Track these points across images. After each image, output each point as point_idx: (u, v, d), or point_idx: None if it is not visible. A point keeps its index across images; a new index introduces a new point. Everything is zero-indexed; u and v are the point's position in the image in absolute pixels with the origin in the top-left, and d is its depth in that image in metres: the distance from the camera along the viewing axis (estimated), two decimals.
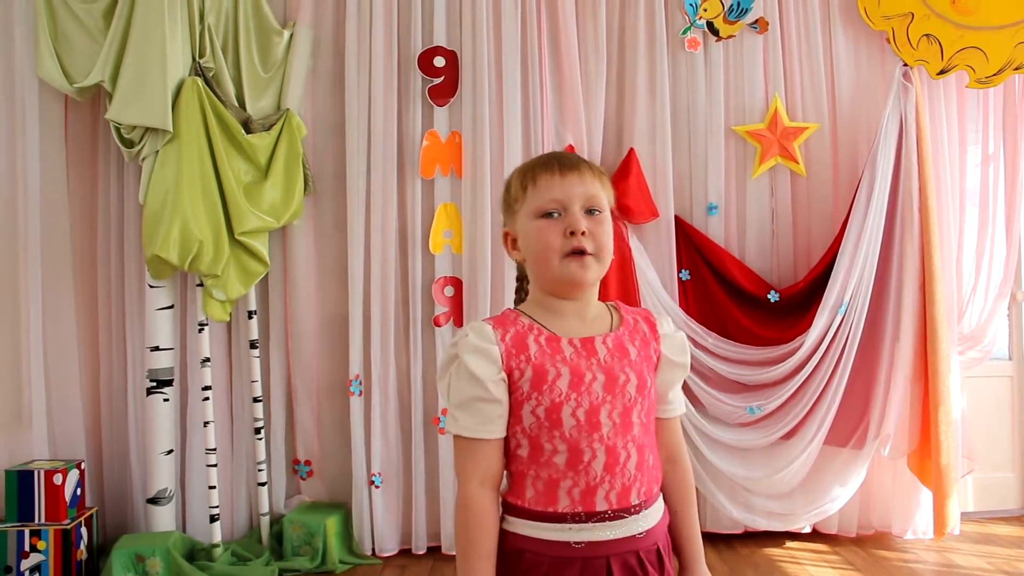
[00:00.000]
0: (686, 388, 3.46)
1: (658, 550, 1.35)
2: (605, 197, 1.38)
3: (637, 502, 1.32)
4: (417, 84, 3.53)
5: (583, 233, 1.32)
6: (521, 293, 1.49)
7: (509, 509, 1.36)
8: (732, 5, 3.58)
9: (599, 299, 1.44)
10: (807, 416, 3.44)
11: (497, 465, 1.33)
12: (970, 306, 3.68)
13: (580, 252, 1.32)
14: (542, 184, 1.36)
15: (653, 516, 1.35)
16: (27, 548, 3.01)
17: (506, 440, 1.34)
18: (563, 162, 1.38)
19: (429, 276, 3.56)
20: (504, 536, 1.34)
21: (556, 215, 1.34)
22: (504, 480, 1.37)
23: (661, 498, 1.40)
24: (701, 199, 3.64)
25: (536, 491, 1.32)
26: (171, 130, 3.19)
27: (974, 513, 3.85)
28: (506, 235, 1.43)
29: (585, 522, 1.29)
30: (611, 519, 1.30)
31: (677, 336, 1.44)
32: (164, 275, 3.29)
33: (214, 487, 3.36)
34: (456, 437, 1.34)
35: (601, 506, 1.30)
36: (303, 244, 3.57)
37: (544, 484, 1.31)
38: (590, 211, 1.35)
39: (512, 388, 1.32)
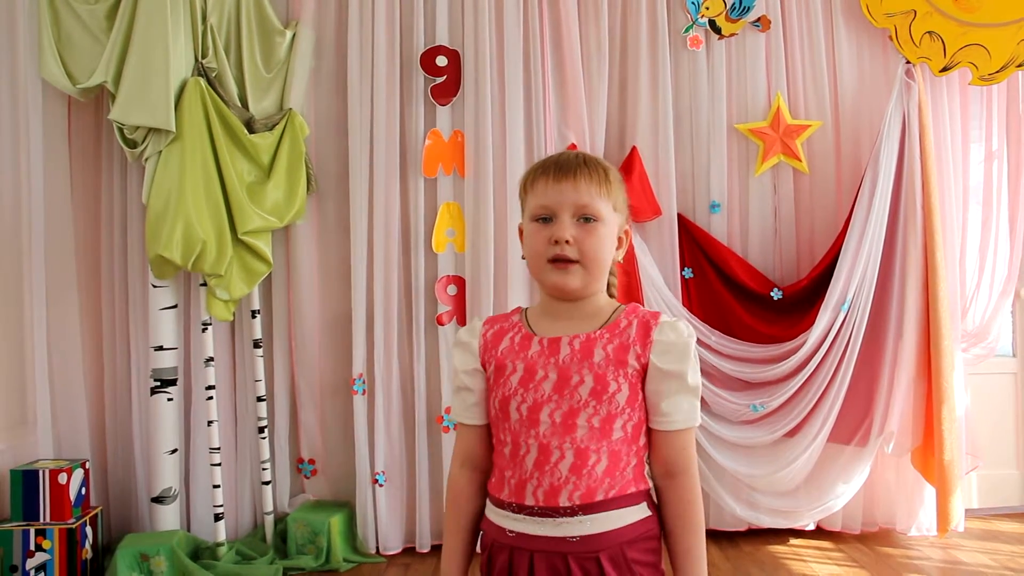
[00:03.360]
0: None
1: (598, 561, 1.29)
2: (607, 203, 1.36)
3: (567, 505, 1.30)
4: (419, 83, 3.54)
5: (567, 242, 1.33)
6: None
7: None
8: (734, 3, 3.58)
9: (620, 301, 1.44)
10: (810, 413, 3.44)
11: (477, 449, 1.44)
12: (974, 303, 3.67)
13: (565, 260, 1.33)
14: (538, 188, 1.37)
15: (599, 525, 1.30)
16: (32, 547, 3.02)
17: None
18: (560, 167, 1.36)
19: (432, 275, 3.57)
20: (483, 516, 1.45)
21: (547, 220, 1.36)
22: None
23: (639, 511, 1.34)
24: (704, 197, 3.64)
25: (495, 477, 1.40)
26: (174, 130, 3.20)
27: (978, 510, 3.85)
28: (520, 230, 1.45)
29: (517, 513, 1.34)
30: (538, 515, 1.32)
31: (677, 344, 1.33)
32: (167, 275, 3.30)
33: (218, 486, 3.37)
34: None
35: (529, 500, 1.32)
36: (306, 243, 3.57)
37: (498, 471, 1.39)
38: (584, 219, 1.35)
39: (486, 380, 1.41)
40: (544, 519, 1.31)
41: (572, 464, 1.30)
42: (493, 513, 1.39)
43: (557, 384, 1.32)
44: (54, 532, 3.04)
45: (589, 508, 1.30)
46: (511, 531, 1.34)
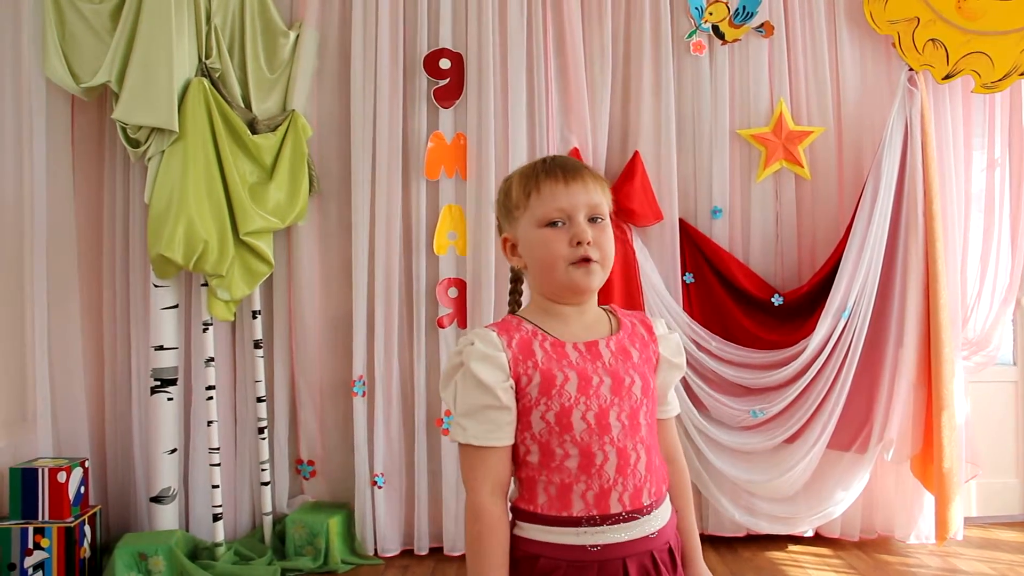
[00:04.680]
0: (689, 391, 3.47)
1: (670, 549, 1.37)
2: (606, 203, 1.39)
3: (648, 502, 1.34)
4: (422, 86, 3.54)
5: (588, 243, 1.33)
6: (515, 295, 1.49)
7: (520, 515, 1.35)
8: (737, 9, 3.58)
9: (599, 302, 1.46)
10: (810, 420, 3.44)
11: (506, 472, 1.33)
12: (975, 311, 3.66)
13: (586, 260, 1.33)
14: (547, 192, 1.35)
15: (663, 515, 1.37)
16: (31, 546, 3.02)
17: (514, 447, 1.34)
18: (567, 170, 1.37)
19: (433, 277, 3.57)
20: (516, 542, 1.33)
21: (561, 224, 1.34)
22: (512, 486, 1.37)
23: (668, 497, 1.42)
24: (705, 202, 3.64)
25: (549, 496, 1.31)
26: (177, 130, 3.21)
27: (977, 518, 3.84)
28: (505, 240, 1.43)
29: (600, 525, 1.29)
30: (625, 520, 1.31)
31: (672, 337, 1.46)
32: (169, 275, 3.30)
33: (217, 486, 3.37)
34: (464, 446, 1.32)
35: (615, 508, 1.30)
36: (308, 244, 3.58)
37: (557, 489, 1.31)
38: (593, 219, 1.36)
39: (519, 394, 1.32)
40: (631, 523, 1.32)
41: (646, 463, 1.35)
42: (553, 534, 1.31)
43: (613, 387, 1.33)
44: (52, 531, 3.04)
45: (657, 501, 1.36)
46: (594, 546, 1.29)
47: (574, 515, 1.29)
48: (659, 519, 1.36)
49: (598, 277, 1.36)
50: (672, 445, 1.50)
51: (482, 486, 1.30)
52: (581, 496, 1.30)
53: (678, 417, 1.55)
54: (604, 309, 1.45)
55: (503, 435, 1.31)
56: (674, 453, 1.50)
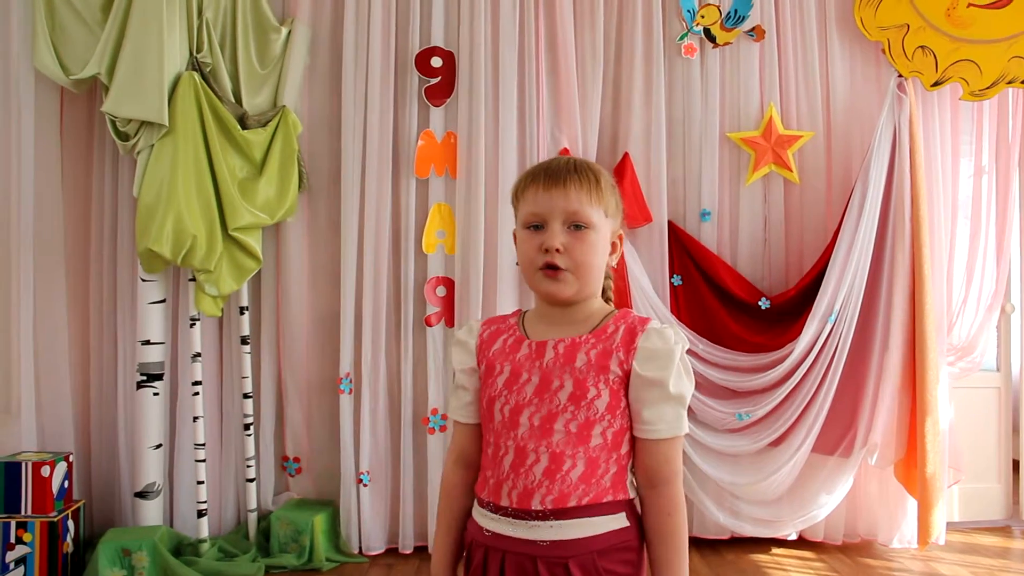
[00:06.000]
0: None
1: (566, 567, 1.29)
2: (597, 210, 1.36)
3: (539, 509, 1.30)
4: (414, 84, 3.54)
5: (557, 250, 1.33)
6: None
7: None
8: (729, 12, 3.59)
9: (615, 305, 1.47)
10: (795, 423, 3.45)
11: (470, 447, 1.46)
12: (960, 317, 3.69)
13: (551, 267, 1.34)
14: (528, 196, 1.39)
15: (569, 531, 1.30)
16: (13, 540, 3.01)
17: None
18: (550, 175, 1.37)
19: (421, 276, 3.57)
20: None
21: (538, 228, 1.37)
22: None
23: (614, 520, 1.32)
24: (694, 205, 3.66)
25: (480, 476, 1.43)
26: (167, 124, 3.20)
27: (959, 523, 3.87)
28: (515, 235, 1.47)
29: (494, 513, 1.36)
30: (512, 517, 1.33)
31: (660, 351, 1.31)
32: (156, 269, 3.29)
33: (202, 482, 3.36)
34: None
35: (504, 501, 1.34)
36: (296, 241, 3.57)
37: (483, 471, 1.42)
38: (575, 226, 1.35)
39: (480, 379, 1.43)
40: (517, 521, 1.33)
41: (546, 468, 1.31)
42: (475, 511, 1.42)
43: (538, 388, 1.33)
44: (35, 525, 3.02)
45: (561, 513, 1.30)
46: (488, 530, 1.37)
47: (483, 497, 1.39)
48: (560, 532, 1.29)
49: (570, 285, 1.35)
50: (653, 471, 1.32)
51: (450, 453, 1.50)
52: (487, 481, 1.39)
53: None
54: (609, 311, 1.40)
55: (464, 413, 1.46)
56: (656, 479, 1.33)
